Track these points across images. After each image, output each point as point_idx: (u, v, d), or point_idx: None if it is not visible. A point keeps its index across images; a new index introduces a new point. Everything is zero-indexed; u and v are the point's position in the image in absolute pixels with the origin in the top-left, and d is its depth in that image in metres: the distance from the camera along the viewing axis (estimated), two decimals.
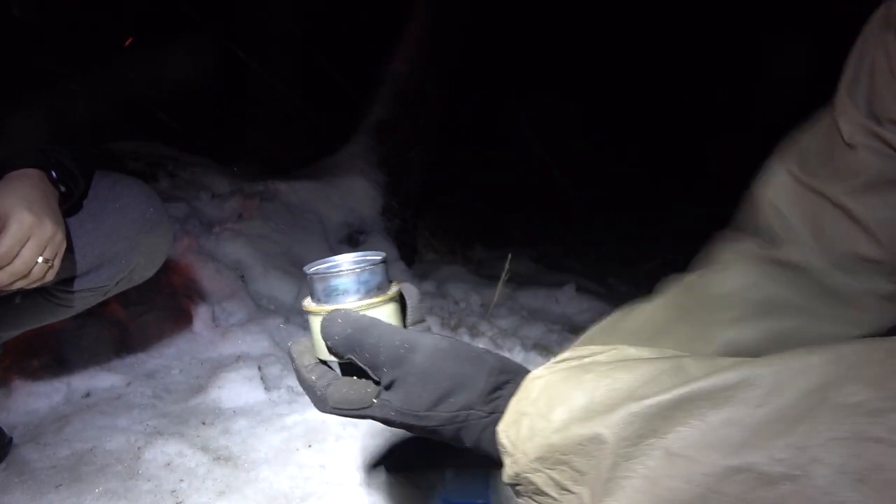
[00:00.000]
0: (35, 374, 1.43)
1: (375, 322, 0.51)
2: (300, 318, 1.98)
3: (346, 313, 0.52)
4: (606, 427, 0.40)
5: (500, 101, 4.59)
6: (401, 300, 0.58)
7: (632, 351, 0.47)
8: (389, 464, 1.23)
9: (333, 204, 2.62)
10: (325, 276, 0.54)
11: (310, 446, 1.27)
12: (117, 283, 1.18)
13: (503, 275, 2.18)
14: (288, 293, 2.09)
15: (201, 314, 1.78)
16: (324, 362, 0.56)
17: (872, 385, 0.33)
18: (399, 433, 1.33)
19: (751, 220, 0.74)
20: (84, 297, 1.18)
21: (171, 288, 1.86)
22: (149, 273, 1.24)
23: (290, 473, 1.18)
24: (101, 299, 1.21)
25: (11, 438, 1.22)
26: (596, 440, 0.40)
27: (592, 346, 0.48)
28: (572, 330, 2.28)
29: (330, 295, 0.54)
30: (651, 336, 0.71)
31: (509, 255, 2.26)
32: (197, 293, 1.88)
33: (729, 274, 0.72)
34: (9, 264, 0.91)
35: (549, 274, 3.24)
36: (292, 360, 0.57)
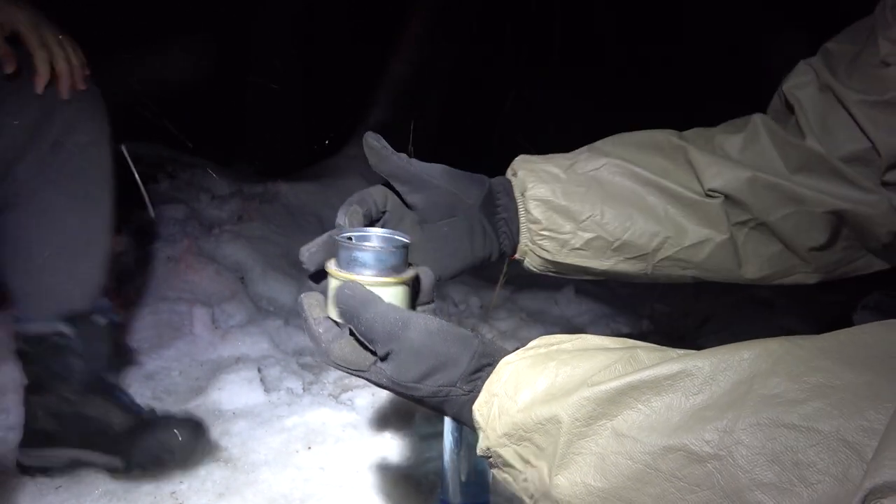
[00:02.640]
0: None
1: (376, 299, 0.56)
2: (300, 320, 1.98)
3: (353, 286, 0.56)
4: (563, 409, 0.45)
5: (500, 102, 4.60)
6: (413, 285, 0.63)
7: (595, 341, 0.51)
8: (389, 465, 1.24)
9: (333, 206, 2.61)
10: (349, 246, 0.59)
11: (309, 448, 1.27)
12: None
13: (502, 277, 2.18)
14: (288, 295, 2.09)
15: (201, 316, 1.78)
16: (333, 320, 0.60)
17: (791, 378, 0.37)
18: (398, 435, 1.33)
19: (774, 106, 0.82)
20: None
21: (170, 289, 1.86)
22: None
23: (289, 475, 1.19)
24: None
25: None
26: (554, 420, 0.45)
27: (560, 336, 0.53)
28: (571, 332, 2.28)
29: (349, 264, 0.59)
30: (649, 156, 0.80)
31: (507, 258, 2.26)
32: (196, 295, 1.88)
33: (746, 137, 0.80)
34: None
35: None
36: (302, 310, 0.60)
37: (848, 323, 0.45)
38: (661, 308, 2.77)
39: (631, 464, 0.41)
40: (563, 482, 0.44)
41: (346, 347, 0.56)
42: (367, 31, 3.76)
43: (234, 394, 1.45)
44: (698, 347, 0.44)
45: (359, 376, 0.56)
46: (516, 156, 0.84)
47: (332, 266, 0.60)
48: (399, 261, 0.60)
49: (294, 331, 1.88)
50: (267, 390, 1.49)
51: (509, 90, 4.46)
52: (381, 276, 0.58)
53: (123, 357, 1.59)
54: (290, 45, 3.51)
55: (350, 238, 0.62)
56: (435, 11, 3.40)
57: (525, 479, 0.48)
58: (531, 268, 0.82)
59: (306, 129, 3.54)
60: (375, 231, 0.65)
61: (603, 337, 0.52)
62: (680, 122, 0.87)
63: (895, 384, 0.34)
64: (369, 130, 0.73)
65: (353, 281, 0.57)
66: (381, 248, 0.59)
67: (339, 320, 0.58)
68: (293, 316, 2.00)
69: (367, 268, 0.58)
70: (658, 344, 0.48)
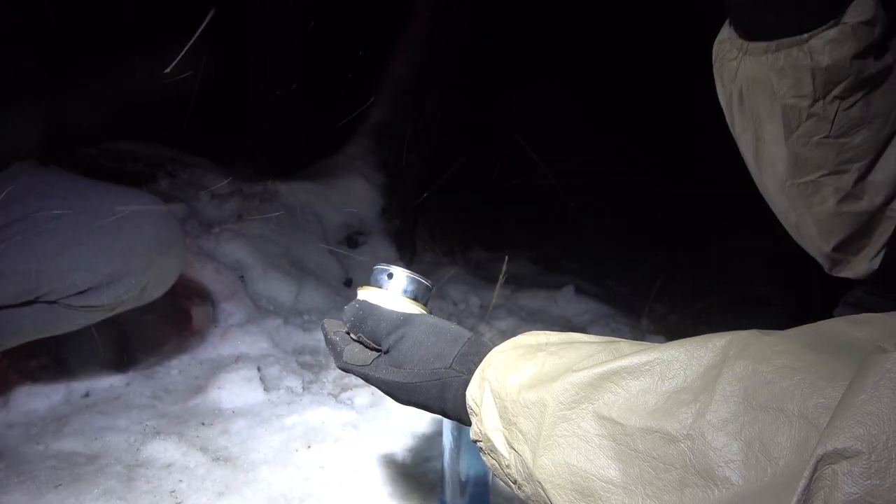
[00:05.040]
0: (34, 374, 1.43)
1: (378, 306, 0.64)
2: (299, 319, 1.99)
3: (360, 302, 0.65)
4: (548, 393, 0.47)
5: (500, 102, 4.60)
6: None
7: (582, 336, 0.55)
8: (389, 465, 1.24)
9: (333, 205, 2.62)
10: (379, 269, 0.69)
11: (309, 447, 1.27)
12: (123, 301, 1.19)
13: (501, 276, 2.19)
14: (287, 294, 2.10)
15: (200, 315, 1.78)
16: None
17: (757, 361, 0.39)
18: (398, 434, 1.33)
19: None
20: (90, 313, 1.18)
21: (170, 288, 1.86)
22: (158, 293, 1.26)
23: (289, 474, 1.19)
24: (105, 316, 1.22)
25: None
26: (540, 403, 0.48)
27: (548, 332, 0.57)
28: (571, 331, 2.28)
29: (378, 285, 0.68)
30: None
31: (506, 257, 2.27)
32: (196, 294, 1.88)
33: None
34: None
35: (547, 275, 3.24)
36: (323, 329, 0.70)
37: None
38: (659, 308, 2.77)
39: (613, 444, 0.43)
40: (547, 463, 0.46)
41: (355, 349, 0.64)
42: (367, 30, 3.75)
43: (233, 393, 1.45)
44: None
45: (365, 373, 0.62)
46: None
47: (365, 286, 0.69)
48: (421, 294, 0.68)
49: (294, 330, 1.88)
50: (266, 389, 1.49)
51: (508, 89, 4.46)
52: (403, 296, 0.67)
53: (123, 356, 1.59)
54: (290, 43, 3.51)
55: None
56: (435, 12, 3.40)
57: (508, 466, 0.50)
58: None
59: (306, 129, 3.54)
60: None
61: (590, 335, 0.55)
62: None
63: (850, 365, 0.36)
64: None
65: (361, 299, 0.66)
66: (409, 275, 0.68)
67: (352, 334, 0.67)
68: (293, 315, 2.00)
69: (391, 287, 0.67)
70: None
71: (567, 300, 2.60)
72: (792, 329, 0.42)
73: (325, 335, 0.69)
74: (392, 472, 1.22)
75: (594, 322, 2.43)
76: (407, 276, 0.67)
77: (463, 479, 1.05)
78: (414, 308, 0.67)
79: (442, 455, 1.08)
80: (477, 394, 0.54)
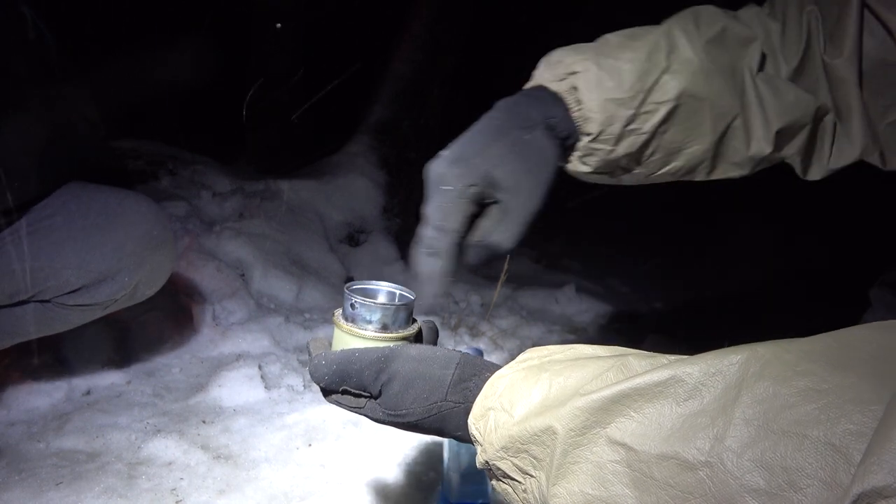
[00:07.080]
0: (36, 372, 1.43)
1: (353, 351, 0.59)
2: (300, 318, 1.99)
3: (325, 354, 0.59)
4: (557, 419, 0.45)
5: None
6: (416, 339, 0.65)
7: (586, 350, 0.52)
8: (390, 463, 1.24)
9: (334, 203, 2.62)
10: (353, 301, 0.62)
11: (310, 445, 1.27)
12: (116, 300, 1.19)
13: (502, 275, 2.19)
14: (288, 292, 2.10)
15: (202, 313, 1.78)
16: None
17: (779, 382, 0.37)
18: (399, 432, 1.33)
19: None
20: (83, 311, 1.18)
21: (171, 287, 1.86)
22: (151, 291, 1.26)
23: (290, 472, 1.19)
24: (99, 314, 1.22)
25: None
26: (549, 431, 0.46)
27: (551, 347, 0.54)
28: (572, 330, 2.28)
29: (353, 319, 0.62)
30: None
31: (507, 256, 2.26)
32: (197, 292, 1.88)
33: None
34: None
35: (548, 274, 3.24)
36: (309, 353, 0.64)
37: (836, 321, 0.45)
38: (660, 307, 2.77)
39: (628, 471, 0.41)
40: (561, 492, 0.44)
41: (344, 396, 0.60)
42: (368, 28, 3.75)
43: (234, 391, 1.45)
44: (695, 347, 0.44)
45: (358, 413, 0.59)
46: None
47: (339, 317, 0.63)
48: (401, 318, 0.62)
49: (295, 328, 1.88)
50: (268, 387, 1.50)
51: (509, 88, 4.45)
52: (382, 332, 0.61)
53: (124, 354, 1.59)
54: (292, 41, 3.51)
55: (359, 288, 0.65)
56: (436, 10, 3.39)
57: (525, 490, 0.48)
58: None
59: (307, 127, 3.54)
60: (384, 285, 0.67)
61: (595, 346, 0.52)
62: None
63: (880, 386, 0.34)
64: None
65: (319, 354, 0.60)
66: (385, 305, 0.62)
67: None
68: (294, 313, 2.00)
69: (369, 323, 0.61)
70: (657, 342, 0.47)
71: (568, 299, 2.59)
72: (815, 338, 0.39)
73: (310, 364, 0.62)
74: (393, 470, 1.22)
75: (595, 321, 2.43)
76: (383, 309, 0.61)
77: (464, 478, 1.05)
78: (398, 335, 0.62)
79: (443, 454, 1.08)
80: (481, 424, 0.52)
